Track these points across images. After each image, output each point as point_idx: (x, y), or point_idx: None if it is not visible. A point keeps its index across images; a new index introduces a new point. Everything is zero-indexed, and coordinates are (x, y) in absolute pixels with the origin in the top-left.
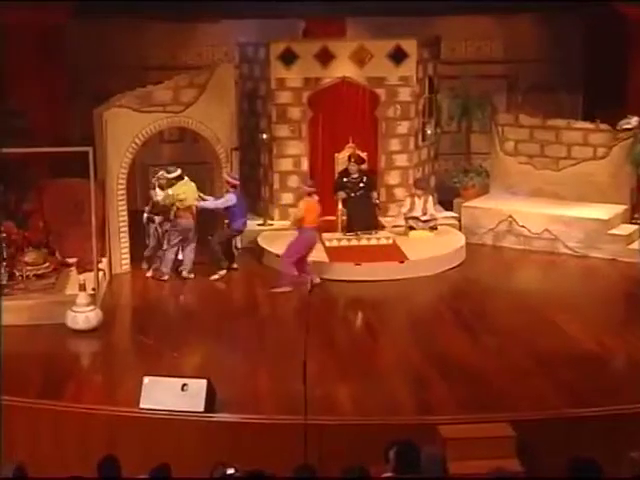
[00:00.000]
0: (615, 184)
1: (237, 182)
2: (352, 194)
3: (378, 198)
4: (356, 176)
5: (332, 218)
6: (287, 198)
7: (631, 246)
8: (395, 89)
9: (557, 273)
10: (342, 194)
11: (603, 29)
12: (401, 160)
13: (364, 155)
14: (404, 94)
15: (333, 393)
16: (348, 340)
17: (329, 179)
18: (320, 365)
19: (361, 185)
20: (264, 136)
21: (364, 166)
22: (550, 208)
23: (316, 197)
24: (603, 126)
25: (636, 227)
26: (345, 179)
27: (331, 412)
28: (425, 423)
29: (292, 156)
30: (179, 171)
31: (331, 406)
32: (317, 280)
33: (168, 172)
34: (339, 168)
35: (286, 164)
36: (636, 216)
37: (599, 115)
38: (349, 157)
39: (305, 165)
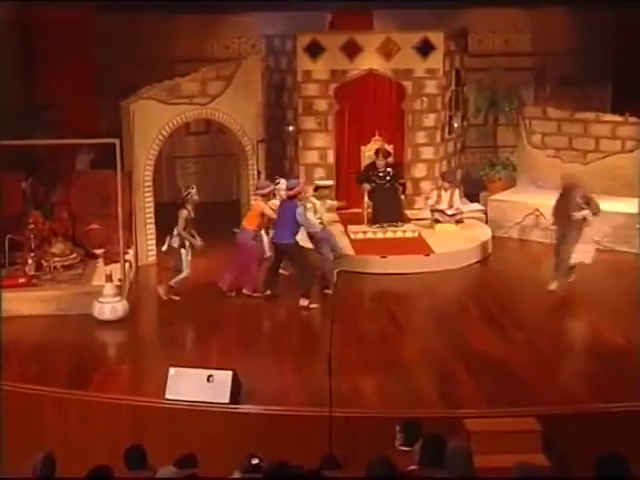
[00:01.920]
0: None
1: (297, 189)
2: (378, 183)
3: (404, 191)
4: (383, 170)
5: (358, 210)
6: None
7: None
8: (422, 82)
9: (584, 267)
10: (367, 186)
11: (633, 20)
12: (427, 153)
13: (390, 148)
14: (431, 87)
15: (358, 385)
16: (373, 333)
17: (355, 172)
18: (345, 357)
19: (387, 178)
20: (290, 128)
21: (390, 159)
22: None
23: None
24: (632, 119)
25: None
26: (371, 172)
27: (356, 404)
28: (450, 416)
29: (318, 148)
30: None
31: (356, 398)
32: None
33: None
34: (365, 161)
35: (312, 157)
36: None
37: (628, 108)
38: (377, 151)
39: (331, 158)
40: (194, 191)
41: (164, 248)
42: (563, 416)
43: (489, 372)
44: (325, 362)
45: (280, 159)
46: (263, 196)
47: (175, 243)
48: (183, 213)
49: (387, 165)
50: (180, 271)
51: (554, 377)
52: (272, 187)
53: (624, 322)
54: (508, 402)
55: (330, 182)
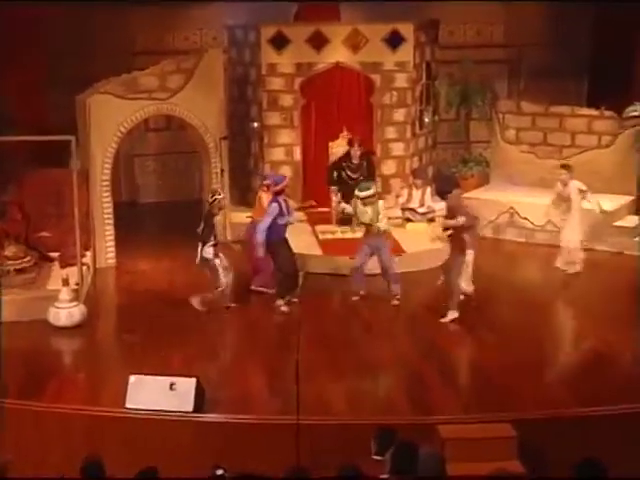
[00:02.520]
0: (621, 174)
1: (282, 185)
2: (351, 177)
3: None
4: (357, 162)
5: (326, 209)
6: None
7: (638, 238)
8: (391, 75)
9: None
10: (335, 189)
11: (609, 11)
12: (397, 149)
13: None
14: (400, 80)
15: (327, 392)
16: (342, 337)
17: (322, 169)
18: (313, 363)
19: (360, 173)
20: (255, 124)
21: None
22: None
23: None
24: (608, 113)
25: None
26: (345, 163)
27: (324, 412)
28: (423, 423)
29: (284, 145)
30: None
31: (325, 405)
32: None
33: (361, 189)
34: (333, 158)
35: (278, 154)
36: None
37: (604, 102)
38: (350, 141)
39: (297, 155)
40: (221, 197)
41: (197, 261)
42: (539, 421)
43: (463, 376)
44: (293, 368)
45: (244, 156)
46: (269, 187)
47: (209, 254)
48: (214, 220)
49: (362, 156)
50: (217, 283)
51: (530, 381)
52: (285, 181)
53: (602, 323)
54: (483, 407)
55: (371, 191)
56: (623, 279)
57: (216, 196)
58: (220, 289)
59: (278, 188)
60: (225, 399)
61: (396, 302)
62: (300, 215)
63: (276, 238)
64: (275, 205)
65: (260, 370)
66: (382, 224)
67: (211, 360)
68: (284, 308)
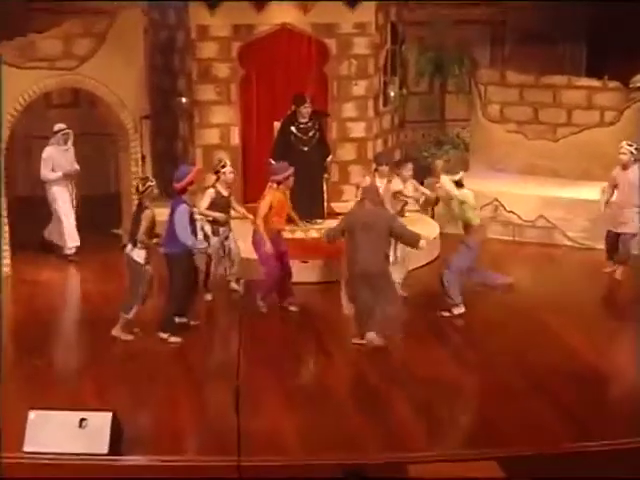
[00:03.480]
0: None
1: (188, 180)
2: (302, 139)
3: (328, 171)
4: (306, 121)
5: None
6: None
7: None
8: (349, 39)
9: (555, 270)
10: (274, 164)
11: None
12: (358, 130)
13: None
14: (360, 45)
15: (274, 425)
16: (293, 358)
17: (267, 154)
18: (258, 390)
19: (313, 135)
20: (183, 100)
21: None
22: (546, 189)
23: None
24: (612, 83)
25: None
26: (293, 127)
27: (272, 450)
28: (390, 461)
29: (219, 126)
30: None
31: (272, 442)
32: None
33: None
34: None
35: (211, 136)
36: None
37: (607, 70)
38: (296, 98)
39: (236, 137)
40: (153, 184)
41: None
42: (531, 458)
43: (438, 403)
44: (232, 397)
45: (170, 139)
46: (279, 184)
47: (140, 258)
48: (146, 215)
49: (313, 115)
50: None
51: (518, 408)
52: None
53: (604, 337)
54: (462, 441)
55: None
56: (629, 284)
57: (148, 183)
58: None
59: (180, 185)
60: (148, 437)
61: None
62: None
63: (182, 249)
64: (185, 207)
65: (192, 401)
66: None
67: (131, 390)
68: (173, 339)
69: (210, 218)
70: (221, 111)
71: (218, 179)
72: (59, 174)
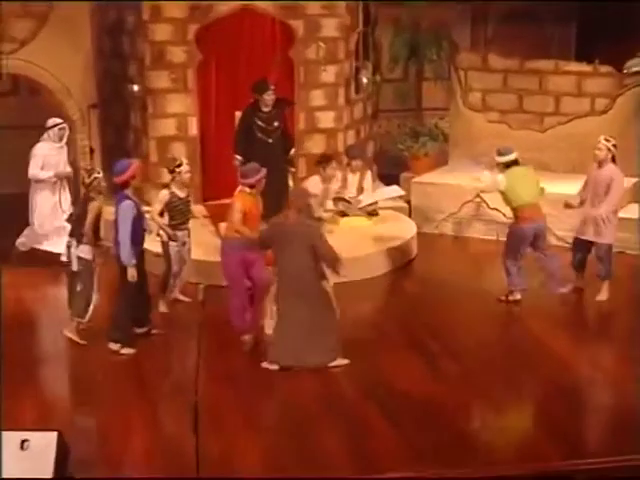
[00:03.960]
0: (621, 149)
1: (129, 174)
2: (266, 129)
3: (293, 165)
4: (270, 110)
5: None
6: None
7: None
8: (317, 21)
9: (542, 273)
10: (238, 159)
11: None
12: (327, 120)
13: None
14: (329, 28)
15: (237, 445)
16: (257, 372)
17: (227, 146)
18: (218, 407)
19: (277, 125)
20: (134, 87)
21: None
22: None
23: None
24: (604, 68)
25: None
26: (256, 117)
27: (233, 472)
28: None
29: (174, 115)
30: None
31: (234, 463)
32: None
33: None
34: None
35: (166, 127)
36: None
37: (599, 54)
38: (257, 84)
39: (194, 128)
40: (100, 176)
41: (75, 266)
42: (518, 478)
43: (417, 420)
44: (190, 413)
45: (121, 131)
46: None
47: (87, 254)
48: (92, 208)
49: (276, 103)
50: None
51: (504, 425)
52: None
53: (596, 347)
54: (444, 460)
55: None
56: (624, 287)
57: (95, 175)
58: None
59: (120, 180)
60: (98, 459)
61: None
62: (201, 209)
63: (133, 250)
64: (129, 204)
65: (146, 419)
66: None
67: (78, 407)
68: (125, 350)
69: (162, 224)
70: (177, 99)
71: (173, 179)
72: (50, 174)
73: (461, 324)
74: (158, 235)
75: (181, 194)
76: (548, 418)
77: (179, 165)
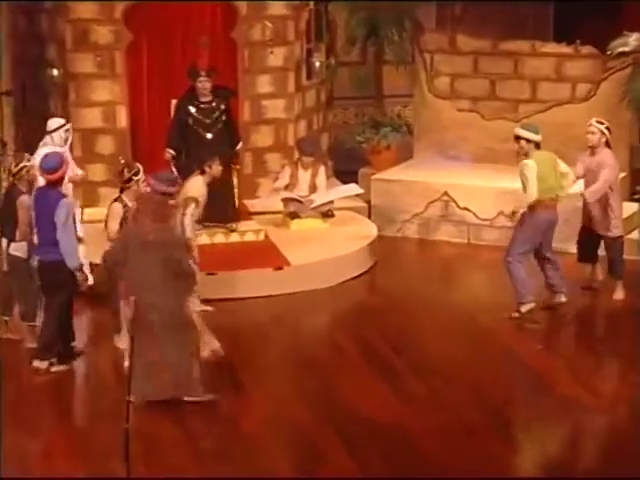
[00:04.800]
0: None
1: (62, 171)
2: (203, 122)
3: (237, 161)
4: (209, 100)
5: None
6: (96, 173)
7: (631, 235)
8: None
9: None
10: (171, 153)
11: None
12: (275, 109)
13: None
14: (277, 5)
15: (174, 471)
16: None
17: (161, 138)
18: (159, 434)
19: (217, 117)
20: (54, 72)
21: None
22: (507, 180)
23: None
24: (585, 49)
25: (638, 206)
26: (192, 107)
27: None
28: None
29: (101, 104)
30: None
31: None
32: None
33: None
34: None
35: (92, 117)
36: (638, 188)
37: (580, 33)
38: (189, 70)
39: (123, 119)
40: (30, 164)
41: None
42: None
43: (380, 446)
44: (123, 443)
45: (39, 121)
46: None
47: (21, 251)
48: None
49: (216, 92)
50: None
51: (477, 450)
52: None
53: (579, 363)
54: None
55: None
56: (609, 296)
57: (24, 162)
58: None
59: (53, 177)
60: None
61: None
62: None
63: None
64: (67, 202)
65: (72, 446)
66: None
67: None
68: (56, 368)
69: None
70: (103, 86)
71: (127, 189)
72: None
73: (428, 339)
74: None
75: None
76: (525, 442)
77: (136, 173)
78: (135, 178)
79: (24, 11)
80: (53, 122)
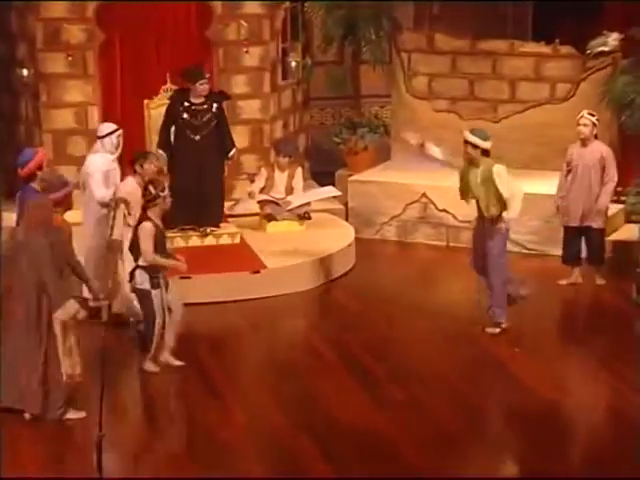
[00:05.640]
0: None
1: (34, 165)
2: (194, 126)
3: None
4: (201, 102)
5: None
6: (68, 175)
7: (612, 237)
8: None
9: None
10: (163, 155)
11: None
12: (250, 109)
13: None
14: (252, 4)
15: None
16: (174, 401)
17: (134, 140)
18: (131, 442)
19: (207, 120)
20: (24, 72)
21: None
22: None
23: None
24: (564, 49)
25: (620, 207)
26: (182, 108)
27: None
28: None
29: (73, 105)
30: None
31: None
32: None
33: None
34: (152, 123)
35: (63, 118)
36: (620, 189)
37: (559, 33)
38: (190, 71)
39: (95, 120)
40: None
41: None
42: None
43: (355, 453)
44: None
45: (9, 123)
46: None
47: None
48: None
49: (211, 94)
50: None
51: (460, 460)
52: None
53: (559, 367)
54: None
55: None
56: (589, 299)
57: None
58: None
59: (25, 171)
60: None
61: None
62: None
63: None
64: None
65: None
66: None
67: None
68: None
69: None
70: (75, 86)
71: (149, 207)
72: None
73: (407, 344)
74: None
75: (160, 224)
76: (507, 451)
77: (163, 189)
78: (162, 195)
79: None
80: (104, 127)
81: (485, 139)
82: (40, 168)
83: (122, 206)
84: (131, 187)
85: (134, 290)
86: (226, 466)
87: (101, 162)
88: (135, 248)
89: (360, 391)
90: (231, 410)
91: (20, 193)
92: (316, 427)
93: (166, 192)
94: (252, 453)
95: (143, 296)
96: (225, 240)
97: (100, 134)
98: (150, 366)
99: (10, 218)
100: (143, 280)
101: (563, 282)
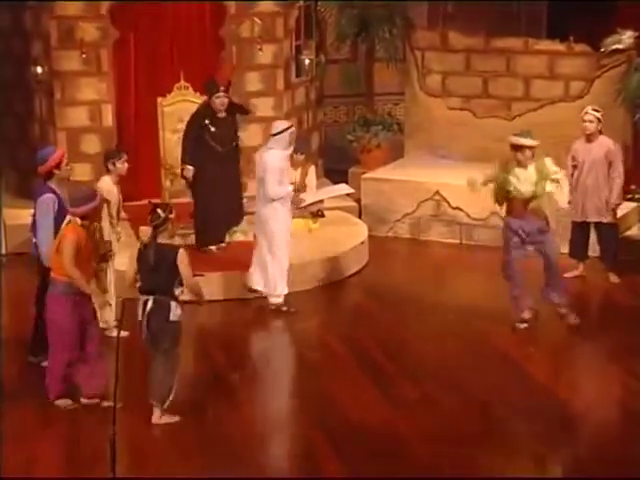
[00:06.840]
0: None
1: (52, 163)
2: (218, 138)
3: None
4: (224, 116)
5: (157, 201)
6: (82, 173)
7: (625, 235)
8: None
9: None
10: (190, 169)
11: None
12: (264, 107)
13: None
14: (266, 2)
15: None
16: (185, 401)
17: (148, 138)
18: (140, 442)
19: (234, 133)
20: (38, 70)
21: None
22: None
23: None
24: (579, 47)
25: (634, 205)
26: (209, 122)
27: None
28: None
29: (87, 103)
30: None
31: None
32: None
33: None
34: (165, 120)
35: (77, 116)
36: (633, 187)
37: (573, 30)
38: (207, 85)
39: (109, 118)
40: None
41: None
42: None
43: (369, 451)
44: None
45: (24, 121)
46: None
47: None
48: None
49: (230, 108)
50: None
51: (472, 459)
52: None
53: (573, 366)
54: None
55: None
56: (602, 297)
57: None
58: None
59: (49, 166)
60: None
61: (575, 320)
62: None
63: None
64: (50, 197)
65: (60, 454)
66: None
67: None
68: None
69: None
70: (89, 84)
71: (158, 233)
72: (287, 188)
73: (420, 342)
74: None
75: None
76: (521, 450)
77: (171, 211)
78: (171, 216)
79: (8, 6)
80: (279, 124)
81: (533, 138)
82: (58, 166)
83: (105, 205)
84: (109, 185)
85: (168, 323)
86: (239, 462)
87: (277, 158)
88: (163, 276)
89: (373, 389)
90: (244, 406)
91: (36, 190)
92: (329, 425)
93: (173, 213)
94: (264, 451)
95: (176, 330)
96: (238, 237)
97: (275, 131)
98: (165, 418)
99: (19, 215)
100: (178, 312)
101: (568, 275)
